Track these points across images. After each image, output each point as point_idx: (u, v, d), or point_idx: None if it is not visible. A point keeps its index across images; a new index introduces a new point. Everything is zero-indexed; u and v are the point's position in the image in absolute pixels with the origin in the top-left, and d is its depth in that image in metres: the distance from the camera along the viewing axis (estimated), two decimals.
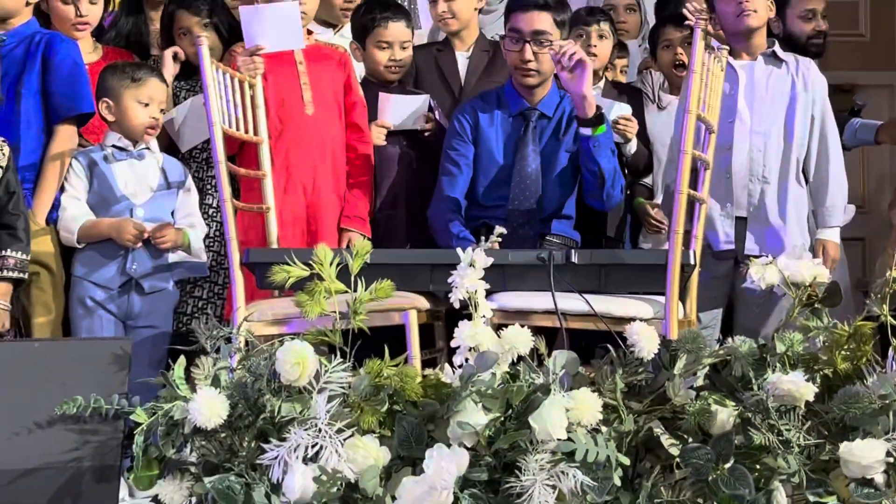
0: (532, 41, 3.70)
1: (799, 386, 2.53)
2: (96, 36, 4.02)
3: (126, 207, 3.59)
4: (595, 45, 4.31)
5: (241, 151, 3.70)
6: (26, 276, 3.39)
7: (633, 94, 4.36)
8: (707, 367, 2.67)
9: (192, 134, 3.87)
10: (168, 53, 3.93)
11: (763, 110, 3.91)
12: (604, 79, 4.39)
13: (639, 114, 4.22)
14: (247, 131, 3.50)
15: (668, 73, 4.51)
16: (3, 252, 3.33)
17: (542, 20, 3.70)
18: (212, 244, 3.81)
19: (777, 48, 3.99)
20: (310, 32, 3.98)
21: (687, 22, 3.99)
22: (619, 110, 4.09)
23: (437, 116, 4.05)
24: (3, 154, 3.38)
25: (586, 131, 3.61)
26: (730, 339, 2.72)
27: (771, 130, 3.92)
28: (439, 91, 4.21)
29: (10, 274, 3.34)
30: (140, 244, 3.52)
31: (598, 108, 3.61)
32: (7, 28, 3.63)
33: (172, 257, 3.62)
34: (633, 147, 4.16)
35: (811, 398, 2.54)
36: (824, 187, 3.95)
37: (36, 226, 3.50)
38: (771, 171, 3.92)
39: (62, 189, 3.59)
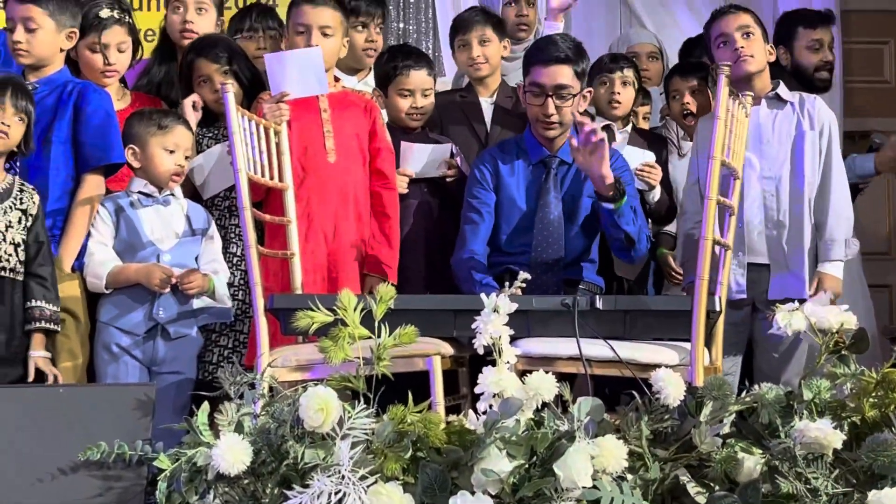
0: (554, 95, 3.72)
1: (826, 433, 2.51)
2: (123, 82, 4.05)
3: (152, 253, 3.61)
4: (619, 93, 4.34)
5: (266, 199, 3.71)
6: (59, 327, 3.42)
7: (656, 142, 4.38)
8: (733, 415, 2.65)
9: (217, 181, 3.88)
10: (187, 102, 3.96)
11: (771, 154, 3.92)
12: (630, 125, 4.40)
13: (662, 161, 4.24)
14: (272, 178, 3.51)
15: (679, 123, 4.52)
16: (36, 303, 3.37)
17: (564, 74, 3.72)
18: (236, 293, 3.81)
19: (780, 89, 3.98)
20: (336, 80, 3.99)
21: (712, 66, 4.02)
22: (643, 158, 4.10)
23: (460, 163, 4.06)
24: (34, 202, 3.43)
25: (608, 206, 3.61)
26: (756, 387, 2.70)
27: (781, 174, 3.92)
28: (465, 137, 4.23)
29: (45, 325, 3.37)
30: (167, 289, 3.53)
31: (618, 180, 3.59)
32: (40, 76, 3.67)
33: (197, 303, 3.63)
34: (656, 195, 4.16)
35: (839, 446, 2.52)
36: (825, 220, 3.92)
37: (62, 272, 3.52)
38: (785, 214, 3.91)
39: (89, 234, 3.61)
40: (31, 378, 3.33)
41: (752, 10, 4.09)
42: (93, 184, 3.65)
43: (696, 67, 4.50)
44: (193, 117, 3.95)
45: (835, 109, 5.37)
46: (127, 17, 3.89)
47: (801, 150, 3.94)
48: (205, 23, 4.24)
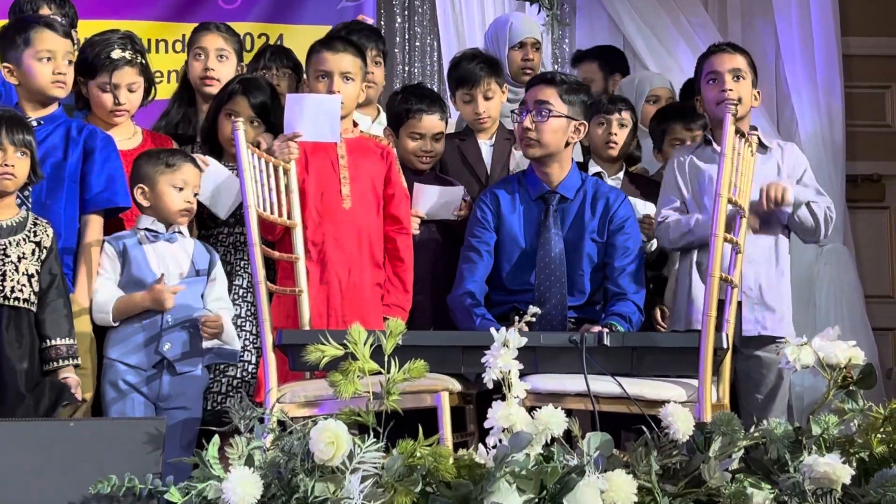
0: (534, 110, 3.75)
1: (835, 468, 2.51)
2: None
3: None
4: (615, 134, 4.35)
5: (281, 239, 3.72)
6: (78, 360, 3.43)
7: (650, 186, 4.37)
8: (742, 450, 2.65)
9: (227, 198, 3.89)
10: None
11: (752, 197, 3.93)
12: (623, 169, 4.41)
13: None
14: (280, 215, 3.54)
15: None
16: (51, 342, 3.39)
17: (546, 93, 3.76)
18: (243, 324, 3.82)
19: (760, 134, 4.00)
20: (355, 124, 4.02)
21: (697, 98, 4.04)
22: (644, 209, 4.13)
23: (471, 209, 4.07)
24: (47, 235, 3.45)
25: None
26: (764, 422, 2.71)
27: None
28: (466, 179, 4.26)
29: (69, 362, 3.39)
30: (174, 325, 3.54)
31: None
32: (41, 113, 3.68)
33: (206, 343, 3.64)
34: (654, 244, 4.17)
35: (848, 481, 2.53)
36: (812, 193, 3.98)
37: (77, 306, 3.54)
38: (762, 253, 3.93)
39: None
40: (73, 389, 3.33)
41: (748, 52, 4.11)
42: (99, 224, 3.70)
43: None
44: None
45: (837, 153, 5.46)
46: (139, 58, 3.90)
47: None
48: (226, 70, 4.28)
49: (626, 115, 4.40)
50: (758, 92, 4.07)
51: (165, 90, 4.50)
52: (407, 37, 6.15)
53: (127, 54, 3.86)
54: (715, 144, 3.99)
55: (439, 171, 4.29)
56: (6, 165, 3.37)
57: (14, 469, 2.63)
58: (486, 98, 4.31)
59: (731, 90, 3.93)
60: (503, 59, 4.69)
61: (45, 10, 4.20)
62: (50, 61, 3.65)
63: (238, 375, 3.79)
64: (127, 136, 3.93)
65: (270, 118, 3.97)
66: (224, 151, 4.00)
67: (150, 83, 3.97)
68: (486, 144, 4.35)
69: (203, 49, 4.29)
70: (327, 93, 3.82)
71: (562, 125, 3.77)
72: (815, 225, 3.92)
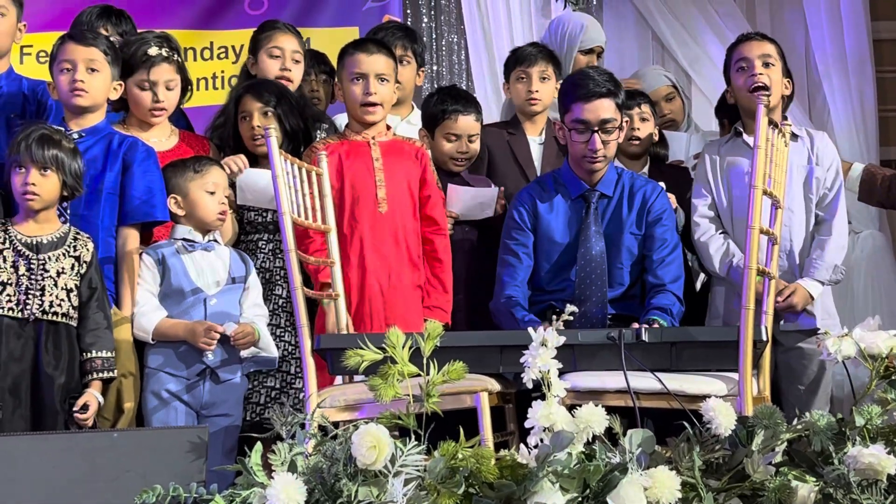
0: (600, 130, 3.71)
1: (880, 459, 2.50)
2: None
3: (199, 299, 3.65)
4: (637, 129, 4.32)
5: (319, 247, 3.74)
6: (115, 373, 3.46)
7: (678, 175, 4.36)
8: (785, 443, 2.64)
9: (256, 195, 3.91)
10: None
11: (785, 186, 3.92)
12: (648, 162, 4.40)
13: (686, 186, 4.22)
14: (314, 220, 3.54)
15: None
16: (89, 355, 3.42)
17: (606, 108, 3.71)
18: (282, 334, 3.84)
19: (791, 122, 3.98)
20: (388, 127, 4.02)
21: (728, 90, 4.03)
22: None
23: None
24: (87, 250, 3.48)
25: None
26: (807, 414, 2.70)
27: (793, 205, 3.93)
28: (514, 176, 4.25)
29: (102, 375, 3.42)
30: (213, 347, 3.57)
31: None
32: (83, 125, 3.71)
33: (244, 352, 3.66)
34: (681, 218, 4.15)
35: (893, 471, 2.51)
36: (823, 242, 3.93)
37: (119, 316, 3.57)
38: (795, 245, 3.93)
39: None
40: (77, 406, 3.35)
41: (778, 42, 4.09)
42: (137, 236, 3.72)
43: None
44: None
45: (870, 138, 5.42)
46: (175, 56, 3.93)
47: (811, 185, 3.99)
48: (298, 72, 4.31)
49: (646, 108, 4.38)
50: (789, 81, 4.05)
51: (194, 98, 4.50)
52: (434, 36, 6.15)
53: (164, 51, 3.88)
54: (746, 136, 3.98)
55: (487, 165, 4.28)
56: (27, 185, 3.40)
57: (60, 480, 2.66)
58: (542, 79, 4.31)
59: (760, 74, 3.91)
60: (567, 59, 4.66)
61: (102, 29, 4.23)
62: (69, 71, 3.67)
63: (277, 386, 3.80)
64: (164, 136, 3.96)
65: (278, 111, 3.99)
66: (249, 153, 4.03)
67: (186, 82, 4.00)
68: (535, 142, 4.34)
69: (281, 49, 4.28)
70: (363, 94, 3.85)
71: (620, 133, 3.79)
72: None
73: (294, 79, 4.28)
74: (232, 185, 3.87)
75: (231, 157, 3.97)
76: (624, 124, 3.82)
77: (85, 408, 3.36)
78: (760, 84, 3.90)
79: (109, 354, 3.45)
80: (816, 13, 5.60)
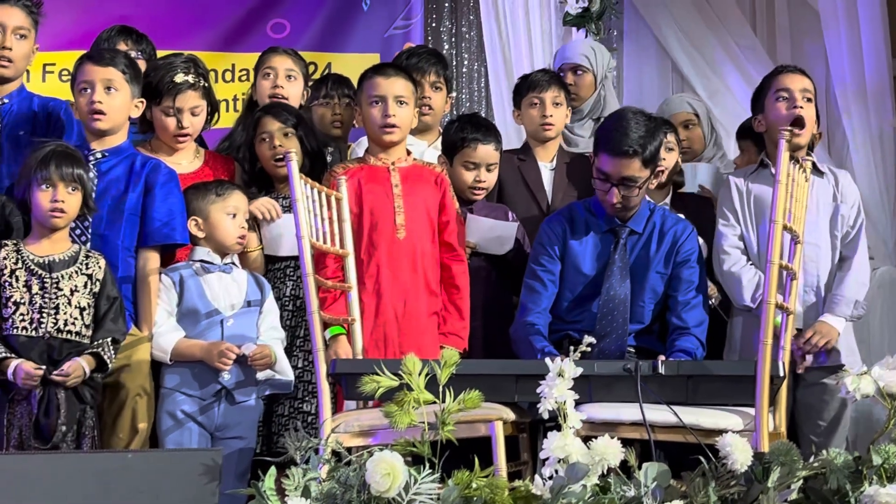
0: (620, 185, 3.67)
1: None
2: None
3: (216, 321, 3.66)
4: (664, 159, 4.29)
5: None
6: (110, 359, 3.43)
7: (700, 204, 4.35)
8: (801, 480, 2.62)
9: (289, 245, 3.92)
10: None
11: (810, 220, 3.87)
12: (670, 193, 4.38)
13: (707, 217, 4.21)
14: (333, 244, 3.54)
15: None
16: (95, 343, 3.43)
17: (631, 167, 3.65)
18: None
19: (815, 158, 3.98)
20: (408, 152, 4.02)
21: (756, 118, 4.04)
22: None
23: (523, 241, 4.06)
24: (99, 267, 3.50)
25: None
26: (823, 452, 2.68)
27: (820, 241, 3.93)
28: (526, 203, 4.25)
29: (98, 351, 3.40)
30: (229, 367, 3.57)
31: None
32: (105, 145, 3.72)
33: (260, 375, 3.66)
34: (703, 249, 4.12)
35: None
36: (844, 277, 3.92)
37: (136, 335, 3.58)
38: (822, 280, 3.93)
39: None
40: (63, 369, 3.33)
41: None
42: (157, 258, 3.73)
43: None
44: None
45: (888, 175, 5.40)
46: (202, 82, 3.94)
47: (836, 221, 3.98)
48: (293, 90, 4.35)
49: (671, 137, 4.35)
50: (819, 133, 4.06)
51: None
52: (454, 63, 6.16)
53: (190, 78, 3.89)
54: (772, 167, 3.97)
55: (498, 192, 4.27)
56: (56, 202, 3.42)
57: (73, 501, 2.65)
58: (555, 104, 4.32)
59: (801, 107, 3.91)
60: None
61: (122, 46, 4.25)
62: (86, 92, 3.69)
63: (286, 413, 3.81)
64: (189, 159, 3.97)
65: (298, 133, 4.02)
66: (266, 175, 4.05)
67: (213, 107, 4.01)
68: (546, 168, 4.33)
69: (272, 69, 4.35)
70: (382, 116, 3.84)
71: (646, 186, 3.77)
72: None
73: (288, 95, 4.30)
74: (254, 220, 3.90)
75: (264, 203, 3.96)
76: (652, 178, 3.77)
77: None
78: (800, 116, 3.90)
79: (111, 342, 3.44)
80: (837, 48, 5.59)
